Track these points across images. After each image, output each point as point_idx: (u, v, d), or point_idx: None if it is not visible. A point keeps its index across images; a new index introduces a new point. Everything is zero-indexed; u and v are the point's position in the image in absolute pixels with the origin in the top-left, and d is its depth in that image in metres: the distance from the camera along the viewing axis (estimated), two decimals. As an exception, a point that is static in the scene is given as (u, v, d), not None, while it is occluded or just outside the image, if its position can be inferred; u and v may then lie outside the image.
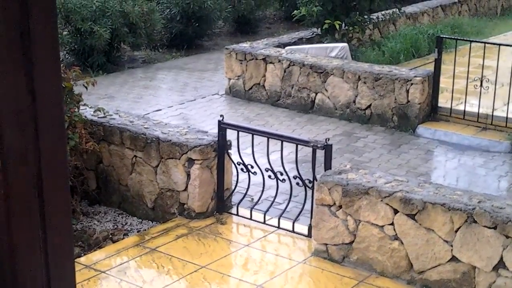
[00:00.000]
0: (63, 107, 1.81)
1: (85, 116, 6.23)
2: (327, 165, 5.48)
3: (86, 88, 6.37)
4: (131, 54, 12.47)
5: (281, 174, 5.78)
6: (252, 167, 5.92)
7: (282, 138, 5.86)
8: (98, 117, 6.43)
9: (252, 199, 6.22)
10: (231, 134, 5.95)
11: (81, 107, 6.17)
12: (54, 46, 1.57)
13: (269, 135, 5.88)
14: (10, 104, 1.51)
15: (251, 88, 9.97)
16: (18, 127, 1.55)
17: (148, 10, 11.80)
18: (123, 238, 5.70)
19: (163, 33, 12.89)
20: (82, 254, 5.34)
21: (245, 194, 6.06)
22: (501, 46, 8.85)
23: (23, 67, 1.53)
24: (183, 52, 12.81)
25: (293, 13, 11.58)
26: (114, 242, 5.61)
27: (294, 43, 10.90)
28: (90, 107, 6.51)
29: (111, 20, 11.12)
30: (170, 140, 5.97)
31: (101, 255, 5.32)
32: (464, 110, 8.68)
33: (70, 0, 11.03)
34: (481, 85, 8.58)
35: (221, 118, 5.92)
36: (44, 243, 1.66)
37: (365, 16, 11.53)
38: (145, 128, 6.25)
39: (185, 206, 5.96)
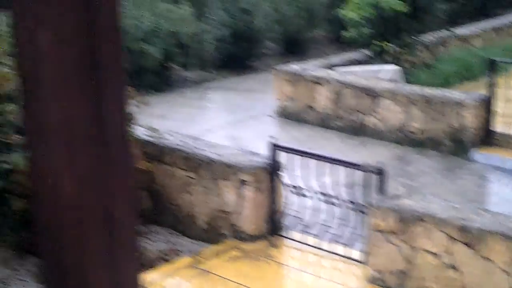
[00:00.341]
0: (128, 129, 1.82)
1: (138, 136, 6.29)
2: (381, 190, 5.41)
3: (138, 107, 6.42)
4: (181, 74, 12.59)
5: (334, 197, 5.72)
6: (304, 189, 5.87)
7: (335, 162, 5.81)
8: (151, 137, 6.48)
9: (304, 222, 6.16)
10: (282, 156, 5.92)
11: (134, 126, 6.22)
12: (120, 70, 1.59)
13: (321, 158, 5.83)
14: (80, 127, 1.52)
15: (301, 109, 9.93)
16: (88, 151, 1.56)
17: (199, 31, 11.92)
18: (175, 259, 5.70)
19: (213, 53, 12.99)
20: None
21: (297, 217, 6.01)
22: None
23: (92, 92, 1.54)
24: (232, 72, 12.88)
25: (342, 34, 11.55)
26: (166, 261, 5.62)
27: (344, 65, 10.84)
28: (142, 127, 6.56)
29: (162, 40, 11.25)
30: (222, 161, 5.97)
31: (155, 276, 5.33)
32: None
33: (122, 20, 11.20)
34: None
35: (273, 140, 5.90)
36: (114, 267, 1.67)
37: (415, 38, 11.44)
38: (197, 148, 6.27)
39: (237, 228, 5.94)
